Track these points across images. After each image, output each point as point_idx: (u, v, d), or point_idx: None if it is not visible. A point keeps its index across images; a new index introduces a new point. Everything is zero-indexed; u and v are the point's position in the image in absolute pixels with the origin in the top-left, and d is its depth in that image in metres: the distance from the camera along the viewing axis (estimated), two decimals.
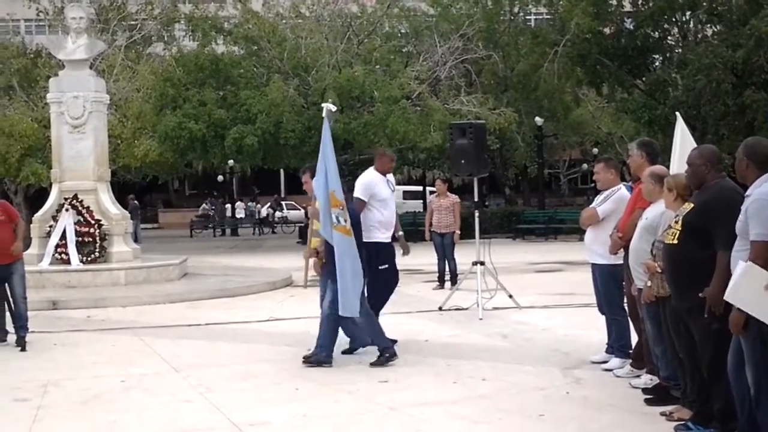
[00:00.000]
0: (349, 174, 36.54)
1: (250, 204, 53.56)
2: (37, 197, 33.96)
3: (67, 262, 16.17)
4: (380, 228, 9.82)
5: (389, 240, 10.00)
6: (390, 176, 10.28)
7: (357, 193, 9.83)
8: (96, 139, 17.33)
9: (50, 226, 16.48)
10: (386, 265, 9.81)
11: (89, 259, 16.31)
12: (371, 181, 9.98)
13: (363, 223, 9.56)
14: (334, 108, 9.45)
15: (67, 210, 16.45)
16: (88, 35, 18.11)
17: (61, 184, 17.13)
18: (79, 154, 17.18)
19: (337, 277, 8.74)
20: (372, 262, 9.52)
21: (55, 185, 17.35)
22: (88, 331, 11.93)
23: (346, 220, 8.85)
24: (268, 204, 50.14)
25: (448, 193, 15.79)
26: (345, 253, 8.81)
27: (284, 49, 29.38)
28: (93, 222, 16.53)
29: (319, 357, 9.04)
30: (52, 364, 9.72)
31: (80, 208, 16.56)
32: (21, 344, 10.52)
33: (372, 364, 8.93)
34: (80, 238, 16.35)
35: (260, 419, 7.07)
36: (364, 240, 9.46)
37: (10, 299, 10.74)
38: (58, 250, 16.26)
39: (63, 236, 16.29)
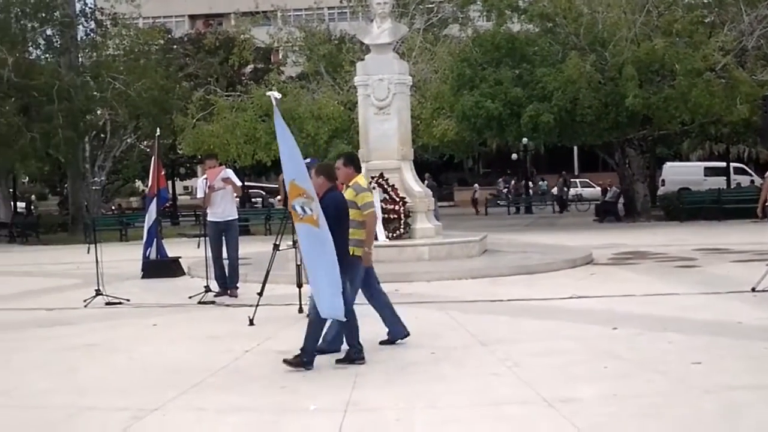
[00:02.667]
0: (648, 150, 35.59)
1: (540, 183, 53.50)
2: None
3: (374, 237, 16.85)
4: None
5: None
6: None
7: None
8: (400, 120, 17.94)
9: None
10: None
11: (395, 235, 16.94)
12: None
13: None
14: (279, 95, 8.90)
15: (374, 188, 17.15)
16: (391, 20, 18.72)
17: (367, 164, 17.83)
18: (385, 134, 17.86)
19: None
20: None
21: (362, 164, 18.09)
22: (397, 304, 12.22)
23: (312, 209, 8.07)
24: (560, 182, 49.74)
25: None
26: (312, 247, 8.16)
27: (580, 25, 28.95)
28: (398, 199, 17.15)
29: (350, 355, 8.69)
30: (367, 334, 10.14)
31: (386, 186, 17.23)
32: None
33: (286, 360, 8.39)
34: (386, 215, 17.02)
35: (570, 396, 7.06)
36: None
37: None
38: None
39: None
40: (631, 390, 7.22)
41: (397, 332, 9.52)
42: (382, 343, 9.37)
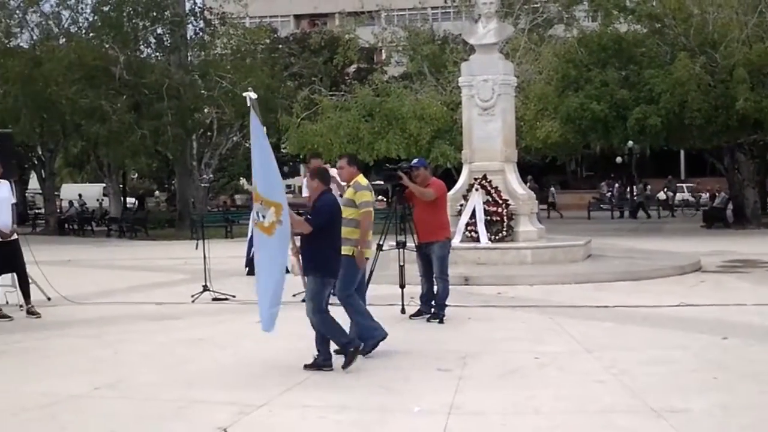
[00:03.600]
0: (758, 155, 34.60)
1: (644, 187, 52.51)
2: (442, 177, 35.74)
3: (477, 240, 16.80)
4: None
5: None
6: None
7: None
8: (504, 121, 17.81)
9: (461, 205, 17.20)
10: None
11: (497, 237, 16.84)
12: None
13: None
14: (254, 95, 8.65)
15: (476, 190, 17.09)
16: (497, 20, 18.62)
17: (471, 165, 17.82)
18: (488, 136, 17.75)
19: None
20: None
21: (465, 166, 18.08)
22: (500, 308, 12.35)
23: (264, 217, 8.15)
24: (639, 187, 48.61)
25: None
26: (262, 253, 8.30)
27: (690, 26, 28.29)
28: (501, 202, 17.03)
29: (317, 361, 8.55)
30: (469, 337, 10.19)
31: (489, 188, 17.13)
32: (439, 317, 11.14)
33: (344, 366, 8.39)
34: (489, 218, 16.93)
35: (679, 406, 6.90)
36: None
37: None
38: (468, 228, 16.96)
39: (473, 215, 16.96)
40: (742, 402, 7.03)
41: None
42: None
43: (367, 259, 9.36)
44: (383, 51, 44.58)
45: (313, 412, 7.05)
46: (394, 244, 11.65)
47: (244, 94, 8.74)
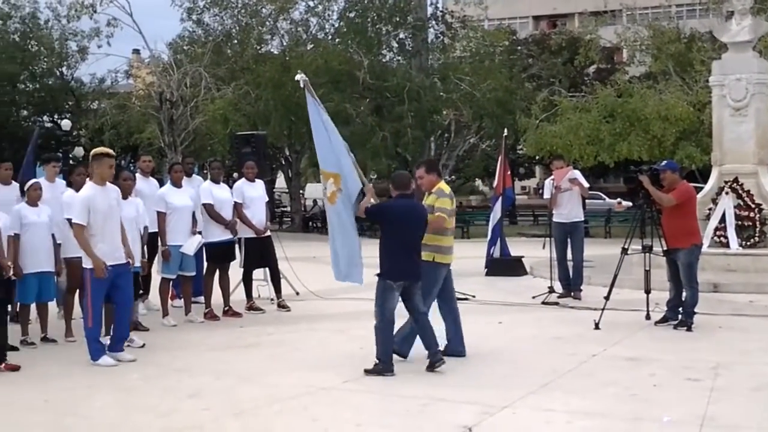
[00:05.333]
0: None
1: None
2: (686, 179, 34.38)
3: (726, 245, 16.04)
4: None
5: None
6: None
7: None
8: (758, 122, 16.90)
9: (709, 209, 16.48)
10: None
11: (748, 243, 16.00)
12: None
13: None
14: (305, 78, 8.71)
15: (726, 193, 16.32)
16: (751, 16, 17.72)
17: (720, 168, 17.03)
18: (740, 137, 16.91)
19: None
20: None
21: (714, 168, 17.31)
22: (753, 317, 11.74)
23: (326, 187, 8.98)
24: None
25: None
26: (332, 220, 9.12)
27: None
28: (753, 206, 16.18)
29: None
30: (720, 347, 9.75)
31: (740, 192, 16.31)
32: (687, 325, 10.73)
33: (366, 370, 8.45)
34: (740, 222, 16.12)
35: None
36: None
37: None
38: (717, 233, 16.23)
39: (722, 219, 16.22)
40: None
41: (453, 349, 9.18)
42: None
43: (448, 265, 9.16)
44: (624, 51, 43.38)
45: (558, 417, 6.96)
46: (640, 248, 11.33)
47: (297, 78, 9.45)
